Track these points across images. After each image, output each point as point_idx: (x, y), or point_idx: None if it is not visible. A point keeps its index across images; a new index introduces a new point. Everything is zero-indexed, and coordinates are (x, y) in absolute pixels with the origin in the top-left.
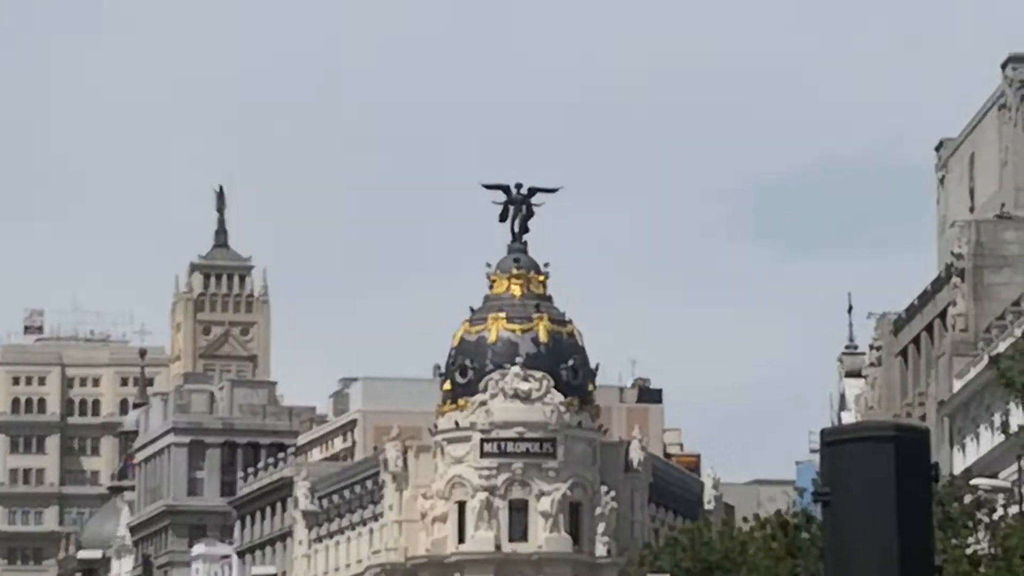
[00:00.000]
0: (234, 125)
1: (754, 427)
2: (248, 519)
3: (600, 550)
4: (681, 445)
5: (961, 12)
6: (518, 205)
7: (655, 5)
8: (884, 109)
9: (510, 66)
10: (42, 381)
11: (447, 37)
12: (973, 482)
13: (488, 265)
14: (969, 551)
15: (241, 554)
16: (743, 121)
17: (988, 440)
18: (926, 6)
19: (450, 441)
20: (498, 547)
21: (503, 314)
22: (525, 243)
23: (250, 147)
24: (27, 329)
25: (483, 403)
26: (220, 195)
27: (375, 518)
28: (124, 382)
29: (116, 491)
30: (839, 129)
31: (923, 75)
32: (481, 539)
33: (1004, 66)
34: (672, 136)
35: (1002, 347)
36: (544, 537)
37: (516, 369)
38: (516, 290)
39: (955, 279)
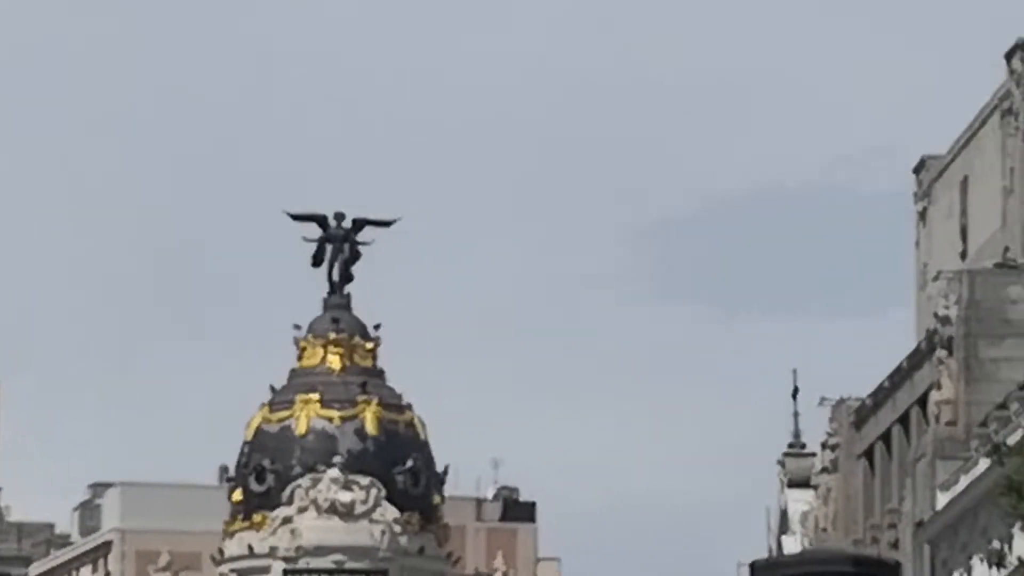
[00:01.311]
0: None
1: (663, 557)
2: None
3: None
4: None
5: None
6: (339, 243)
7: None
8: (842, 118)
9: (332, 64)
10: None
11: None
12: None
13: (296, 327)
14: None
15: None
16: (647, 140)
17: None
18: None
19: (241, 573)
20: None
21: (316, 395)
22: (348, 296)
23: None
24: None
25: (287, 520)
26: None
27: None
28: None
29: None
30: (779, 148)
31: (896, 71)
32: None
33: (1009, 56)
34: (555, 157)
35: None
36: None
37: (334, 473)
38: (335, 362)
39: (940, 352)
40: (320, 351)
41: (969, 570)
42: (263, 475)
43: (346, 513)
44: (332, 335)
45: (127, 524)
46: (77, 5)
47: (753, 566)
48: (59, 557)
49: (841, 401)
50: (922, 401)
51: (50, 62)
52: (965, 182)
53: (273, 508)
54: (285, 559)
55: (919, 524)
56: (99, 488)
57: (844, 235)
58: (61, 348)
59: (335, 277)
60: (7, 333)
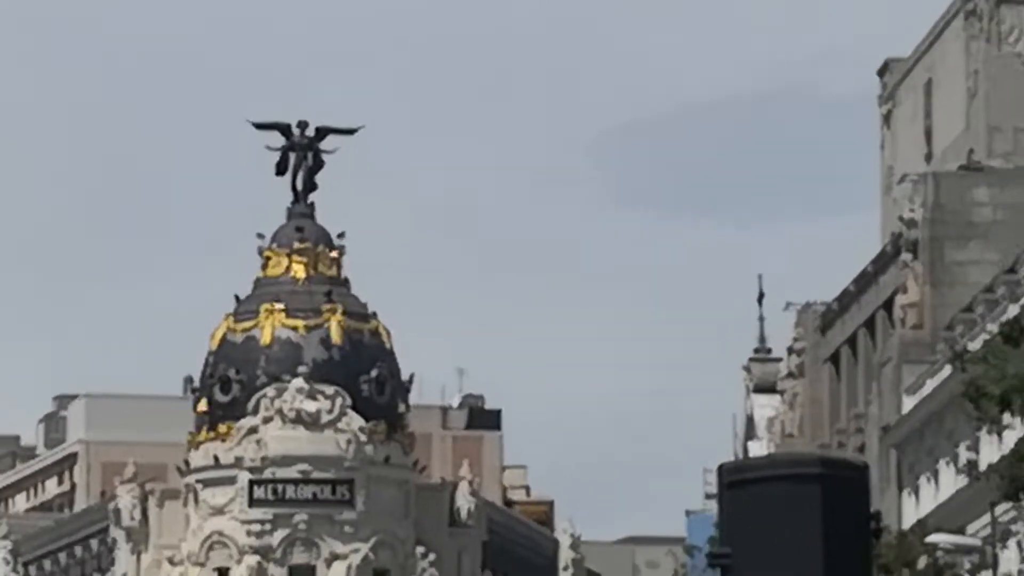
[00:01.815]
0: None
1: (628, 463)
2: None
3: None
4: (527, 488)
5: None
6: (302, 152)
7: None
8: (805, 21)
9: None
10: None
11: None
12: (930, 539)
13: (260, 236)
14: None
15: None
16: (613, 41)
17: (950, 481)
18: None
19: (207, 484)
20: None
21: (281, 305)
22: (312, 205)
23: None
24: None
25: (253, 430)
26: None
27: None
28: None
29: None
30: (742, 52)
31: None
32: None
33: None
34: (517, 58)
35: (971, 348)
36: None
37: (299, 382)
38: (299, 271)
39: (905, 255)
40: (284, 260)
41: (936, 474)
42: (228, 385)
43: (312, 423)
44: (296, 244)
45: (92, 436)
46: None
47: (720, 469)
48: (24, 470)
49: (807, 306)
50: (888, 305)
51: None
52: (929, 84)
53: (238, 418)
54: (251, 469)
55: (885, 428)
56: (64, 400)
57: (808, 139)
58: (22, 260)
59: (299, 186)
60: None
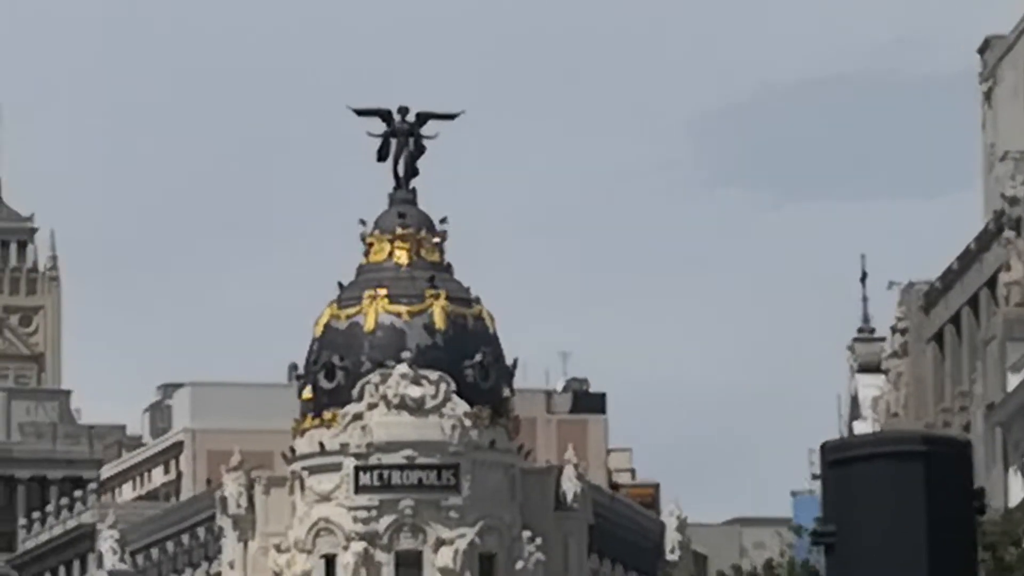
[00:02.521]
0: (11, 37)
1: (733, 445)
2: None
3: None
4: (632, 472)
5: None
6: (403, 138)
7: None
8: (905, 1)
9: None
10: None
11: None
12: None
13: (362, 223)
14: None
15: None
16: (711, 24)
17: None
18: None
19: (313, 471)
20: None
21: (384, 291)
22: (414, 191)
23: (33, 66)
24: None
25: (358, 417)
26: None
27: None
28: None
29: None
30: (843, 32)
31: None
32: None
33: None
34: (613, 44)
35: None
36: None
37: (403, 368)
38: (402, 257)
39: (1008, 232)
40: (387, 246)
41: None
42: (333, 372)
43: (416, 408)
44: (399, 230)
45: (198, 424)
46: None
47: (823, 447)
48: (131, 459)
49: (910, 285)
50: (991, 283)
51: None
52: None
53: (343, 405)
54: (356, 455)
55: (990, 406)
56: (169, 389)
57: (910, 118)
58: (129, 250)
59: (400, 172)
60: (75, 235)
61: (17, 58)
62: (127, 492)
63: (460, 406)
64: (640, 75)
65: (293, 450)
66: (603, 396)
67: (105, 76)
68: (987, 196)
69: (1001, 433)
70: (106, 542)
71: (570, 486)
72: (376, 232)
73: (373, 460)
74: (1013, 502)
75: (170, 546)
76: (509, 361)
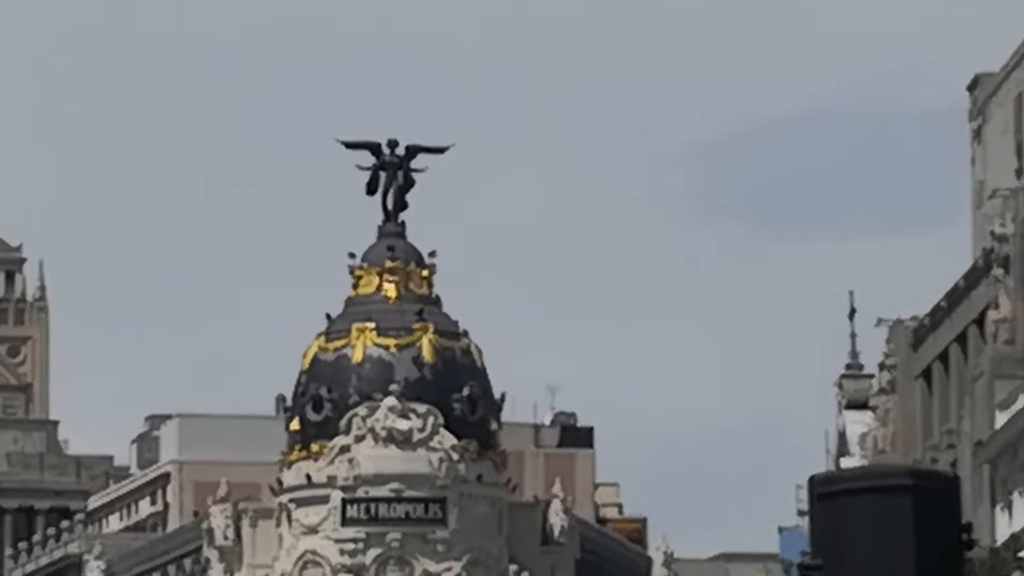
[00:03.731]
0: None
1: (720, 480)
2: None
3: None
4: (620, 506)
5: None
6: (392, 171)
7: None
8: (893, 34)
9: None
10: None
11: None
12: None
13: (351, 255)
14: None
15: None
16: (698, 58)
17: None
18: None
19: (300, 503)
20: None
21: (372, 324)
22: (403, 224)
23: (20, 95)
24: None
25: (345, 449)
26: None
27: None
28: None
29: None
30: (830, 66)
31: None
32: None
33: None
34: (605, 76)
35: None
36: None
37: (391, 401)
38: (390, 290)
39: (997, 270)
40: (375, 279)
41: None
42: (320, 404)
43: (404, 441)
44: (387, 263)
45: (185, 456)
46: None
47: (811, 481)
48: (118, 490)
49: (898, 321)
50: (979, 320)
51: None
52: (1020, 99)
53: (331, 437)
54: (343, 488)
55: (978, 444)
56: (156, 420)
57: (899, 154)
58: (118, 281)
59: (389, 205)
60: (62, 266)
61: (4, 87)
62: (114, 523)
63: (448, 439)
64: (631, 108)
65: (280, 482)
66: (591, 430)
67: (94, 106)
68: (976, 233)
69: (989, 471)
70: (93, 573)
71: (557, 520)
72: (365, 265)
73: (360, 493)
74: (1000, 540)
75: None
76: (497, 395)
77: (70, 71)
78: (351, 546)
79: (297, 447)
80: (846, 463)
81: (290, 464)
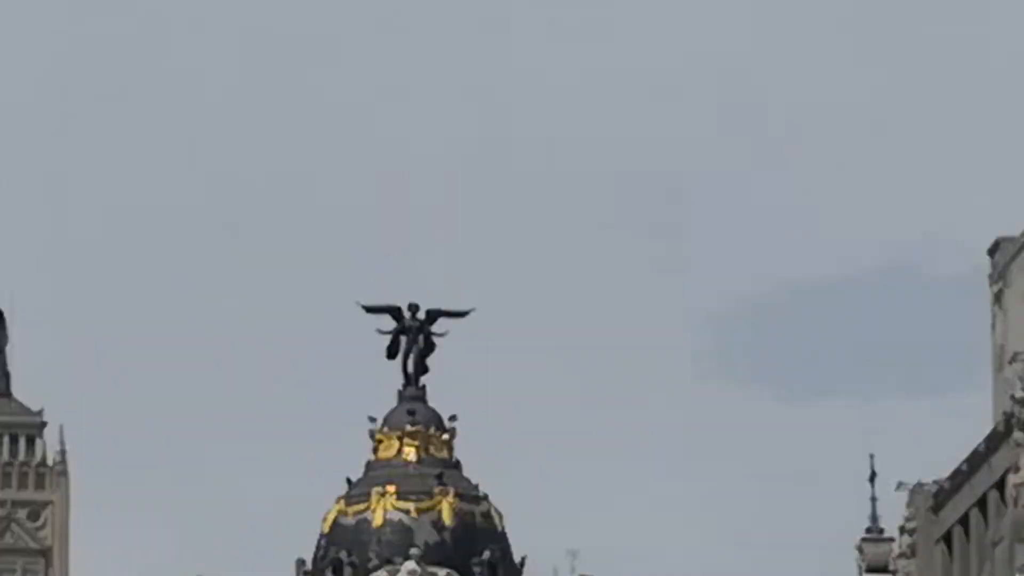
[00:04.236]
0: (22, 230)
1: None
2: None
3: None
4: None
5: (1014, 59)
6: (413, 335)
7: (604, 75)
8: (913, 198)
9: (403, 158)
10: None
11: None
12: None
13: (371, 419)
14: None
15: None
16: (719, 224)
17: None
18: (960, 51)
19: None
20: None
21: (393, 487)
22: (423, 388)
23: (42, 259)
24: None
25: None
26: (0, 323)
27: None
28: None
29: None
30: (853, 230)
31: (966, 149)
32: None
33: None
34: (632, 238)
35: None
36: None
37: (411, 565)
38: (411, 453)
39: (1017, 434)
40: (396, 443)
41: None
42: (340, 568)
43: None
44: (408, 427)
45: None
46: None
47: None
48: None
49: (919, 485)
50: (1000, 484)
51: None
52: None
53: None
54: None
55: None
56: None
57: (919, 318)
58: (138, 445)
59: (410, 369)
60: (85, 430)
61: (26, 253)
62: None
63: None
64: (656, 272)
65: None
66: None
67: (113, 274)
68: (996, 398)
69: None
70: None
71: None
72: (385, 429)
73: None
74: None
75: None
76: (517, 558)
77: (88, 240)
78: None
79: None
80: None
81: None
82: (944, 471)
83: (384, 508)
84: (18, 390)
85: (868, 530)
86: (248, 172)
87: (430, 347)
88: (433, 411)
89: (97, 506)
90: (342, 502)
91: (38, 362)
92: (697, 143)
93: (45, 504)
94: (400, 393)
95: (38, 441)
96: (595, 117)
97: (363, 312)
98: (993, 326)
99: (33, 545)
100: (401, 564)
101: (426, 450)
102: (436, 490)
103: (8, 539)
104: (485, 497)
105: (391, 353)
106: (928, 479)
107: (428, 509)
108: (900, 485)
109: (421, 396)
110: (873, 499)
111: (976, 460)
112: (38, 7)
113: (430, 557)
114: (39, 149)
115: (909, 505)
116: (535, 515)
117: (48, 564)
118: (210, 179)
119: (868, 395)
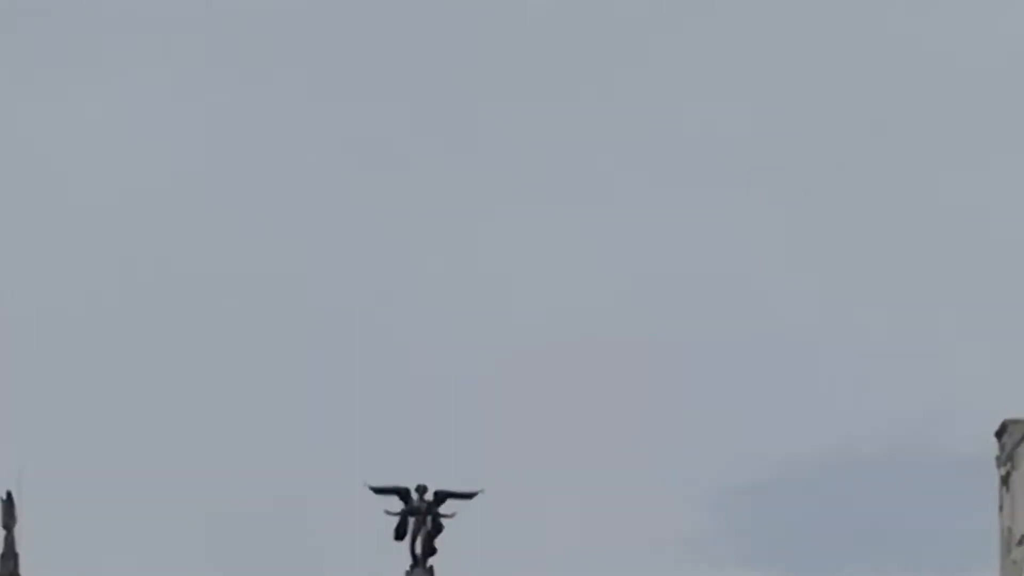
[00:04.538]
0: (26, 412)
1: None
2: None
3: None
4: None
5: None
6: (421, 517)
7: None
8: (920, 379)
9: (407, 331)
10: None
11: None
12: None
13: None
14: None
15: None
16: (718, 406)
17: None
18: (969, 231)
19: None
20: None
21: None
22: (431, 569)
23: (48, 438)
24: None
25: None
26: (8, 504)
27: None
28: None
29: None
30: (856, 410)
31: (974, 330)
32: None
33: None
34: (630, 418)
35: None
36: None
37: None
38: None
39: None
40: None
41: None
42: None
43: None
44: None
45: None
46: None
47: None
48: None
49: None
50: None
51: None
52: None
53: None
54: None
55: None
56: None
57: (924, 501)
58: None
59: (418, 550)
60: None
61: (35, 432)
62: None
63: None
64: (661, 451)
65: None
66: None
67: (121, 451)
68: None
69: None
70: None
71: None
72: None
73: None
74: None
75: None
76: None
77: (95, 403)
78: None
79: None
80: None
81: None
82: None
83: None
84: (27, 569)
85: None
86: (253, 346)
87: (438, 528)
88: None
89: None
90: None
91: (47, 545)
92: (692, 316)
93: None
94: (407, 574)
95: None
96: (600, 294)
97: (371, 493)
98: (1001, 508)
99: None
100: None
101: None
102: None
103: None
104: None
105: (399, 534)
106: None
107: None
108: None
109: None
110: None
111: None
112: None
113: None
114: None
115: None
116: None
117: None
118: (211, 357)
119: (875, 575)
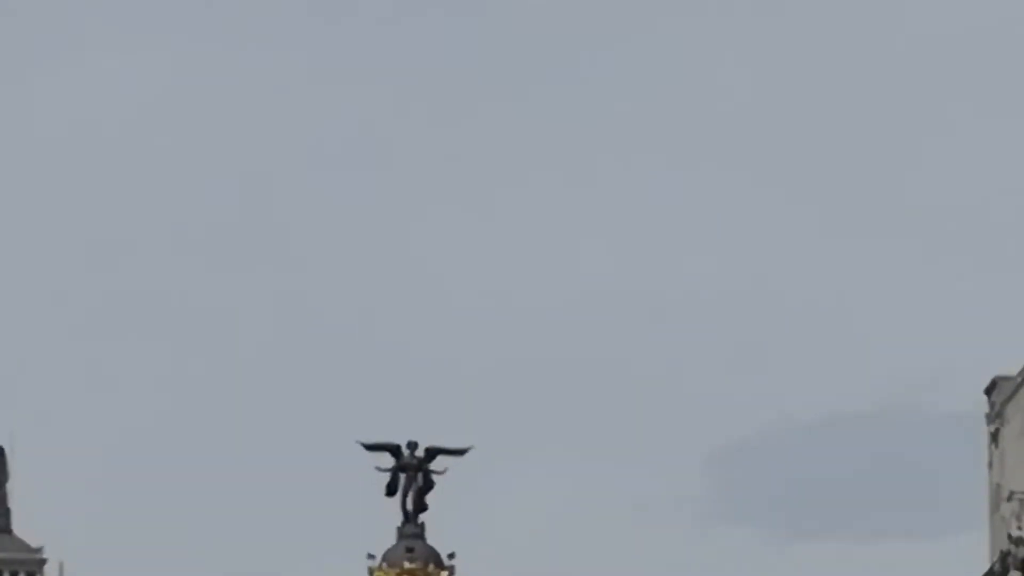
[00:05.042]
0: (18, 371)
1: None
2: None
3: None
4: None
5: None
6: (412, 473)
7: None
8: (910, 338)
9: (405, 296)
10: None
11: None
12: None
13: (370, 556)
14: None
15: None
16: (726, 360)
17: None
18: (960, 199)
19: None
20: None
21: None
22: (422, 525)
23: (42, 398)
24: None
25: None
26: (0, 459)
27: None
28: None
29: None
30: (849, 371)
31: (964, 289)
32: None
33: None
34: (623, 378)
35: None
36: None
37: None
38: None
39: (1014, 573)
40: None
41: None
42: None
43: None
44: (406, 564)
45: None
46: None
47: None
48: None
49: None
50: None
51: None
52: None
53: None
54: None
55: None
56: None
57: (915, 457)
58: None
59: (409, 506)
60: (84, 568)
61: (28, 390)
62: None
63: None
64: (652, 411)
65: None
66: None
67: (113, 407)
68: (993, 536)
69: None
70: None
71: None
72: (384, 565)
73: None
74: None
75: None
76: None
77: (90, 376)
78: None
79: None
80: None
81: None
82: None
83: None
84: (19, 527)
85: None
86: (249, 308)
87: (429, 485)
88: (432, 548)
89: None
90: None
91: (39, 499)
92: (698, 282)
93: None
94: (399, 530)
95: None
96: (597, 260)
97: (363, 449)
98: (990, 465)
99: None
100: None
101: None
102: None
103: None
104: None
105: (390, 490)
106: None
107: None
108: None
109: (420, 533)
110: None
111: None
112: None
113: None
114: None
115: None
116: None
117: None
118: (208, 315)
119: (865, 535)
